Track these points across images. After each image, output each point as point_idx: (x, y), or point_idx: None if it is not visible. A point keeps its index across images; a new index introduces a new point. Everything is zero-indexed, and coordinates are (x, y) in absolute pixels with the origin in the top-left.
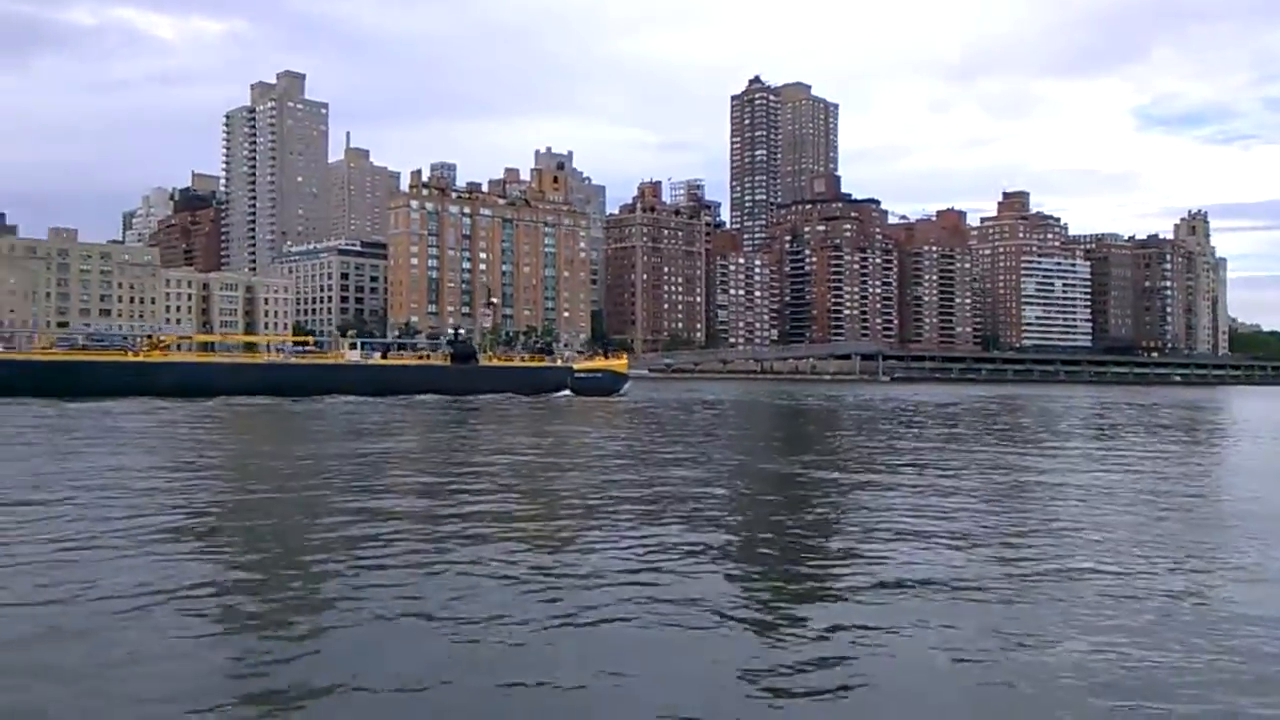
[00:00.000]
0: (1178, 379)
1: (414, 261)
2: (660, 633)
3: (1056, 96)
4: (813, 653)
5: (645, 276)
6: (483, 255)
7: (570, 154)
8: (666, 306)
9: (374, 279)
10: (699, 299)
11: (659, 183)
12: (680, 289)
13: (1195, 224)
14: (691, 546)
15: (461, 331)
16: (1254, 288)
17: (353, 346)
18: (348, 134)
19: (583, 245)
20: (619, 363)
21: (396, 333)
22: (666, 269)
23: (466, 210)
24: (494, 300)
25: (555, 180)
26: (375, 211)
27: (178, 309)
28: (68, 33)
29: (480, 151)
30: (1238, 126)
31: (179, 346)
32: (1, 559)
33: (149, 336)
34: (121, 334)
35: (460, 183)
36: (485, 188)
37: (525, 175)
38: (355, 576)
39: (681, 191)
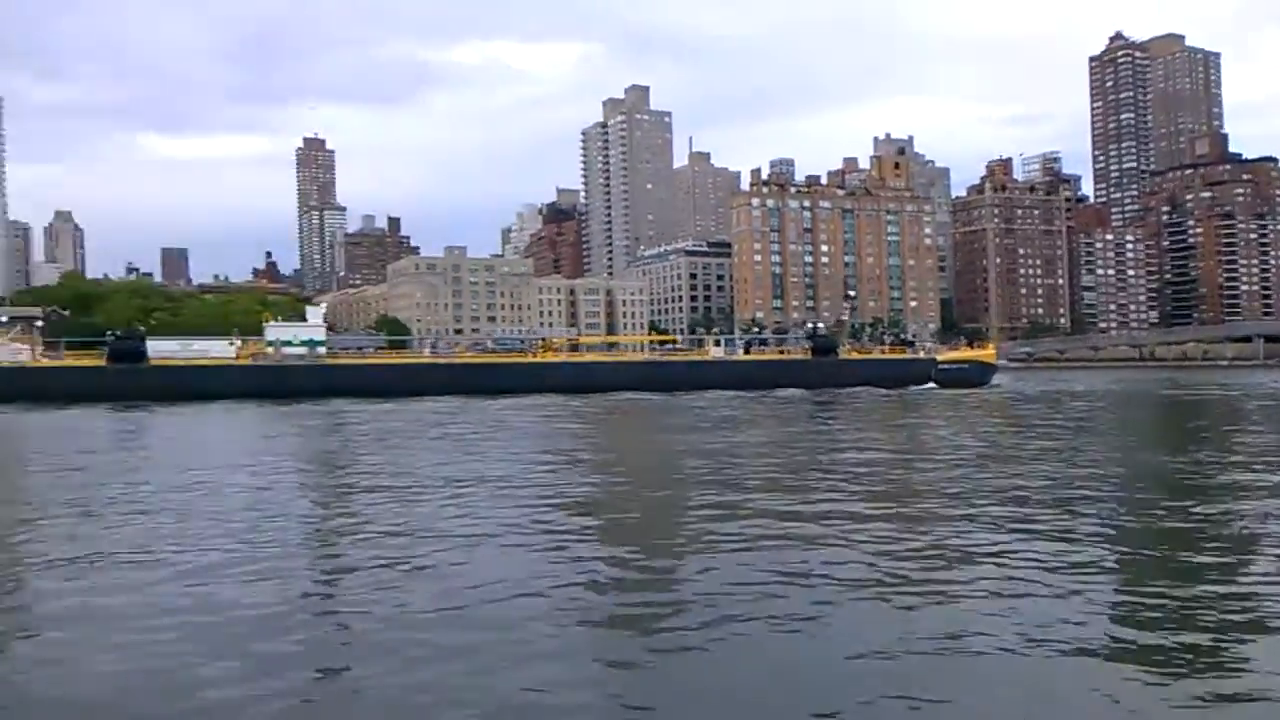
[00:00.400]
0: None
1: (757, 258)
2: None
3: None
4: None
5: (998, 260)
6: (824, 248)
7: (910, 138)
8: (1024, 291)
9: (720, 277)
10: (1061, 281)
11: (1009, 160)
12: (1038, 272)
13: None
14: (1062, 561)
15: (820, 325)
16: None
17: (716, 343)
18: (690, 139)
19: (928, 231)
20: (986, 353)
21: (755, 328)
22: (1022, 251)
23: (806, 204)
24: (852, 294)
25: (896, 166)
26: (719, 212)
27: (549, 313)
28: (455, 72)
29: (818, 145)
30: None
31: (577, 347)
32: (371, 544)
33: (542, 340)
34: (520, 339)
35: (799, 177)
36: (824, 180)
37: (864, 164)
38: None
39: (1035, 167)
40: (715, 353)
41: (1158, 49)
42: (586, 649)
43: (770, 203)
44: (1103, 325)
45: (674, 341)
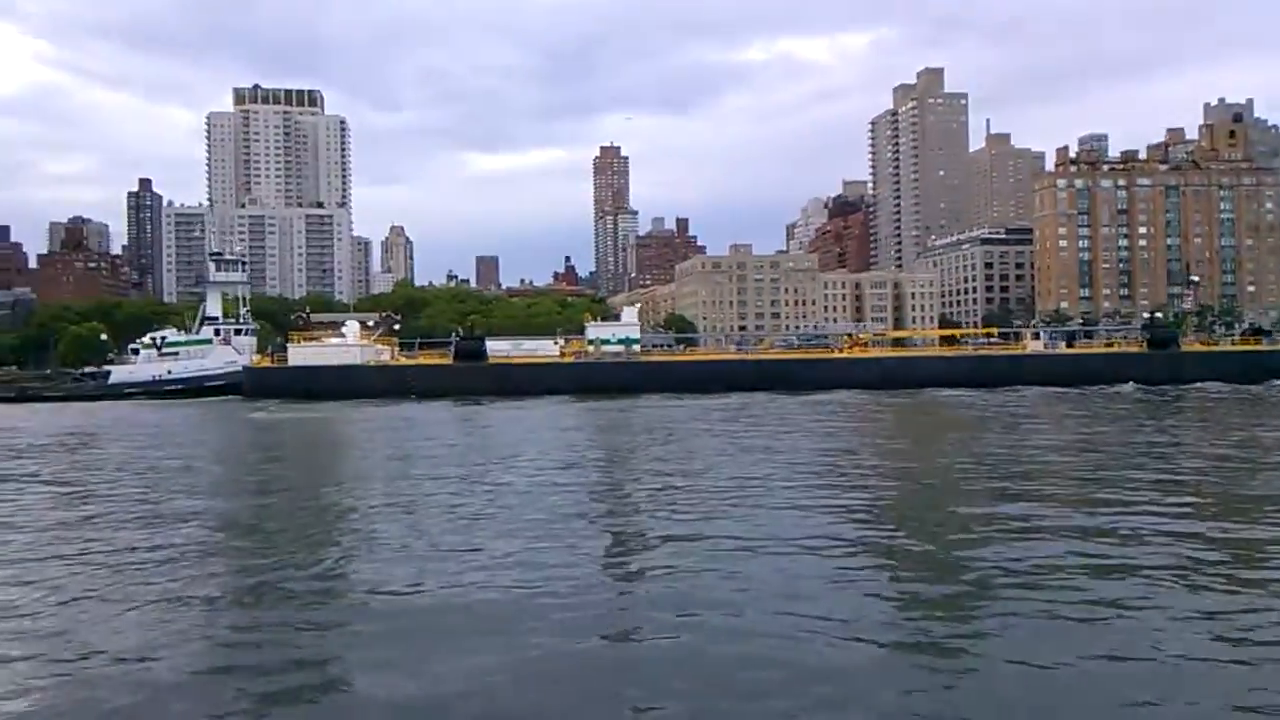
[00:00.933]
0: None
1: (1063, 244)
2: None
3: None
4: None
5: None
6: (1142, 230)
7: (1250, 102)
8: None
9: (1019, 266)
10: None
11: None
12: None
13: None
14: None
15: (1159, 315)
16: None
17: (1035, 336)
18: (987, 121)
19: (1270, 207)
20: None
21: (1079, 320)
22: None
23: (1121, 182)
24: (1194, 278)
25: (1231, 135)
26: (1019, 196)
27: (833, 308)
28: (743, 72)
29: (1137, 117)
30: None
31: (876, 342)
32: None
33: (849, 335)
34: (824, 335)
35: (1113, 153)
36: (1143, 155)
37: (1191, 134)
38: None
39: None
40: (1033, 346)
41: None
42: None
43: (1079, 183)
44: None
45: (993, 334)
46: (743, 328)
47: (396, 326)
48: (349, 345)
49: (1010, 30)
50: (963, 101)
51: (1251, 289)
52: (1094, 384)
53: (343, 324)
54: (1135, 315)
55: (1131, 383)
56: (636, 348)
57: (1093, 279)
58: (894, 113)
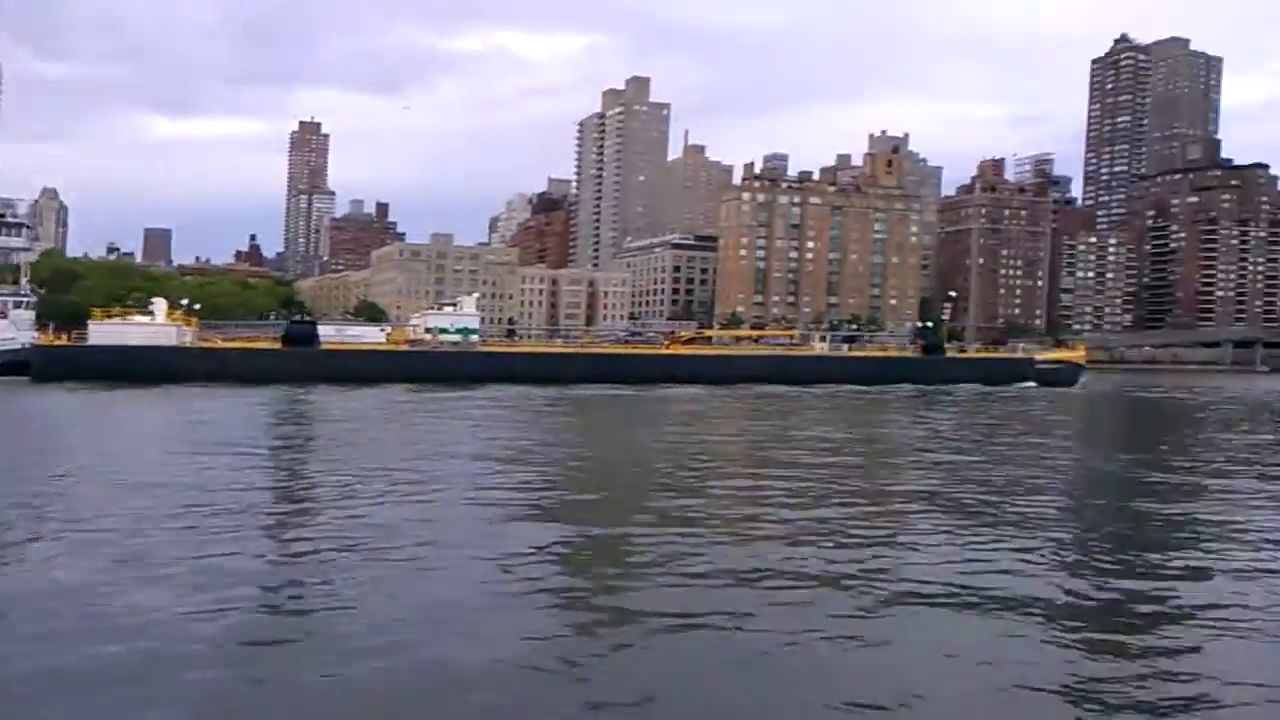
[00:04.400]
0: None
1: (743, 253)
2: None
3: None
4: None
5: (981, 260)
6: (810, 244)
7: (906, 136)
8: (1003, 292)
9: (704, 270)
10: (1040, 283)
11: (1002, 160)
12: (1019, 273)
13: None
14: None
15: (923, 324)
16: None
17: (822, 339)
18: (686, 132)
19: (914, 230)
20: (1078, 354)
21: (836, 322)
22: (1005, 251)
23: (796, 200)
24: (952, 293)
25: (889, 164)
26: (710, 205)
27: (530, 303)
28: (457, 59)
29: (815, 140)
30: None
31: (711, 340)
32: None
33: (671, 332)
34: (640, 332)
35: (793, 171)
36: (816, 176)
37: (858, 160)
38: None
39: (1028, 168)
40: (820, 348)
41: (1161, 52)
42: None
43: (761, 197)
44: (1076, 327)
45: (792, 336)
46: None
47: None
48: (160, 325)
49: (716, 48)
50: (665, 111)
51: (894, 302)
52: (882, 384)
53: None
54: (799, 320)
55: (905, 383)
56: (475, 338)
57: (766, 286)
58: (601, 116)
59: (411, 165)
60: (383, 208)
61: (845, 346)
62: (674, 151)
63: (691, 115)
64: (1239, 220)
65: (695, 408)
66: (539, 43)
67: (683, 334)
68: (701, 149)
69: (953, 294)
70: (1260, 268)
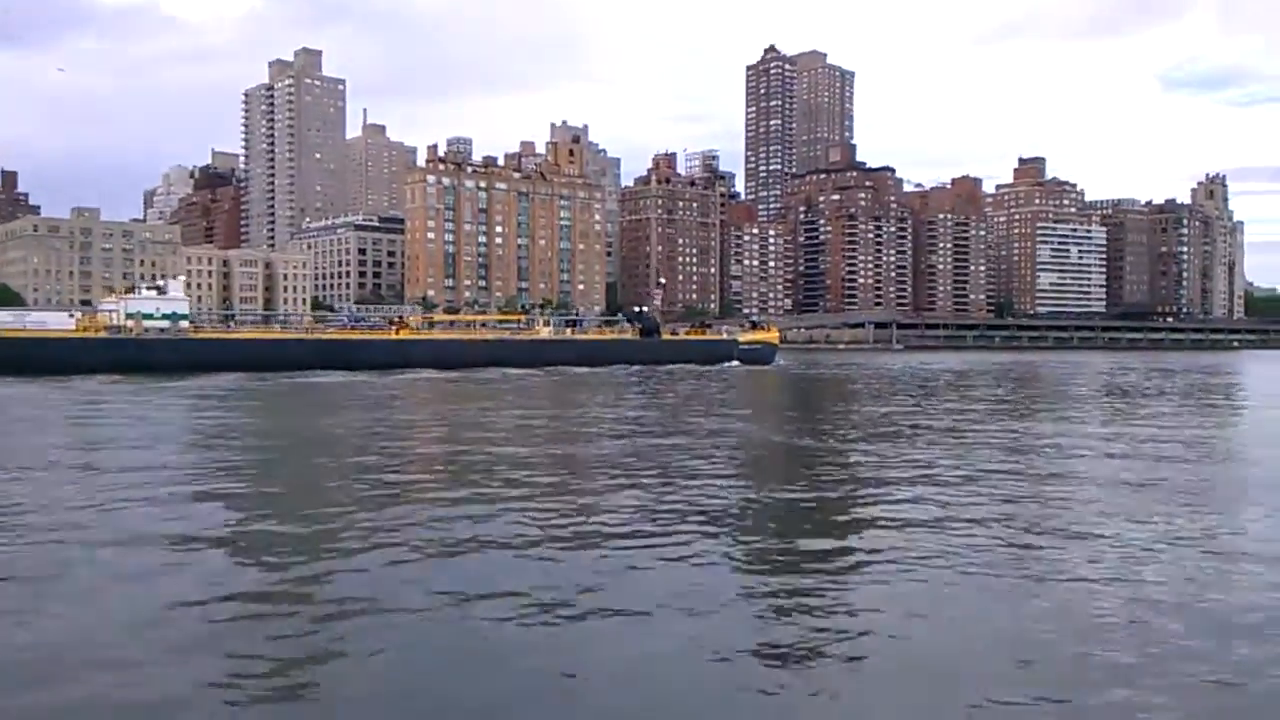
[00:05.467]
0: (1191, 343)
1: (430, 236)
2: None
3: (1079, 60)
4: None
5: (660, 248)
6: (499, 229)
7: (586, 127)
8: (681, 278)
9: (391, 254)
10: (713, 270)
11: (674, 154)
12: (695, 260)
13: (1213, 188)
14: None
15: (645, 309)
16: (1272, 251)
17: (547, 323)
18: (365, 110)
19: (598, 218)
20: (772, 335)
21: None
22: (681, 240)
23: (482, 184)
24: (663, 281)
25: (571, 153)
26: (393, 187)
27: (199, 285)
28: (99, 14)
29: (497, 125)
30: (1260, 90)
31: (432, 325)
32: None
33: (400, 317)
34: (364, 317)
35: (477, 156)
36: (501, 161)
37: (541, 148)
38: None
39: (697, 163)
40: (545, 332)
41: (804, 63)
42: None
43: (446, 181)
44: (746, 311)
45: (519, 320)
46: (86, 302)
47: None
48: None
49: (389, 26)
50: (340, 87)
51: (582, 287)
52: (605, 364)
53: None
54: (491, 305)
55: (626, 363)
56: (186, 324)
57: (456, 270)
58: (270, 88)
59: (46, 131)
60: (9, 176)
61: (569, 330)
62: (353, 130)
63: (369, 94)
64: (874, 216)
65: (412, 394)
66: (190, 3)
67: (411, 319)
68: (382, 129)
69: (663, 281)
70: (893, 258)
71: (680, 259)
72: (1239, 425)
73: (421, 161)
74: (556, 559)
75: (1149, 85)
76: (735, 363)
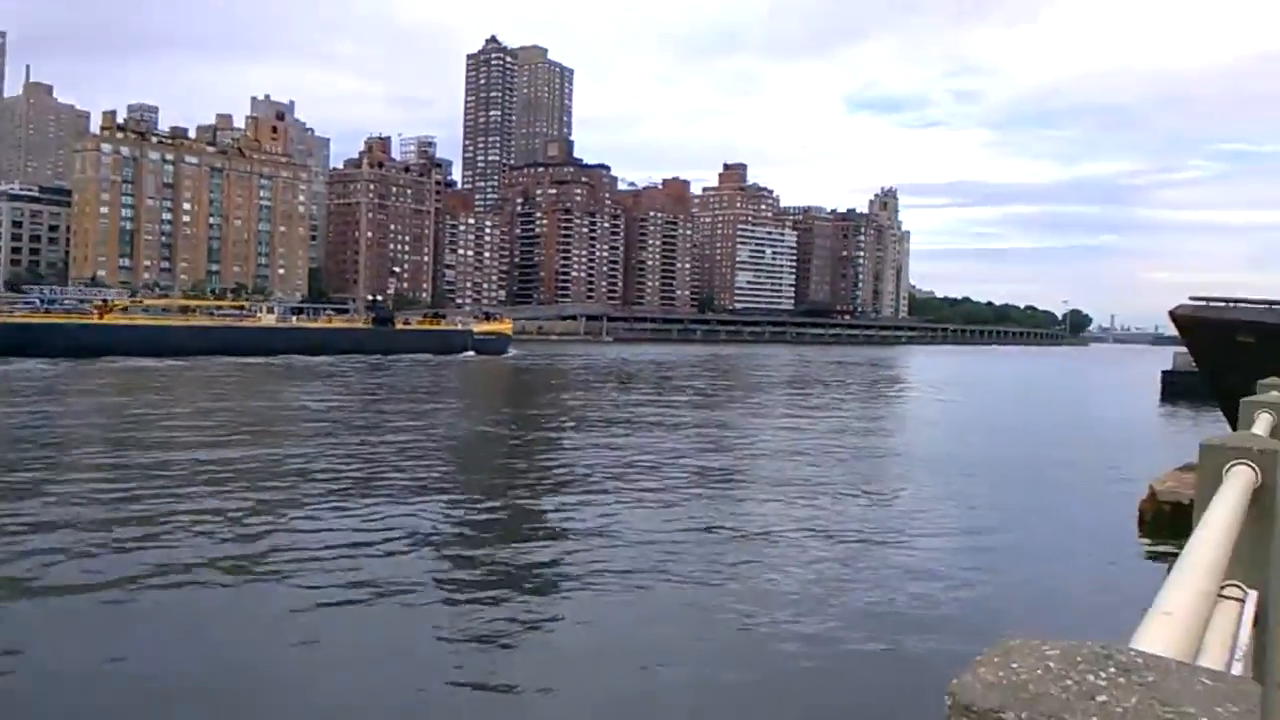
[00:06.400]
0: (864, 339)
1: (104, 211)
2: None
3: (780, 76)
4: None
5: (370, 234)
6: (187, 206)
7: (291, 103)
8: (392, 266)
9: (54, 228)
10: (426, 259)
11: (388, 138)
12: (407, 248)
13: (886, 200)
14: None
15: (379, 297)
16: (933, 259)
17: (270, 310)
18: (28, 67)
19: (302, 199)
20: (505, 326)
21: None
22: (393, 227)
23: (169, 157)
24: (396, 269)
25: (274, 130)
26: (60, 154)
27: None
28: None
29: (188, 95)
30: (930, 114)
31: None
32: None
33: (104, 300)
34: (58, 299)
35: (164, 126)
36: (193, 134)
37: (240, 123)
38: None
39: (412, 148)
40: (267, 319)
41: (525, 57)
42: None
43: (125, 150)
44: (459, 301)
45: (244, 308)
46: None
47: None
48: None
49: None
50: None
51: (282, 271)
52: (333, 354)
53: None
54: (175, 288)
55: (359, 353)
56: None
57: (135, 249)
58: None
59: None
60: None
61: (294, 318)
62: (12, 89)
63: (33, 49)
64: (589, 212)
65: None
66: None
67: (117, 302)
68: (49, 89)
69: (396, 269)
70: (606, 253)
71: (392, 246)
72: (904, 408)
73: (96, 128)
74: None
75: (837, 104)
76: (471, 353)
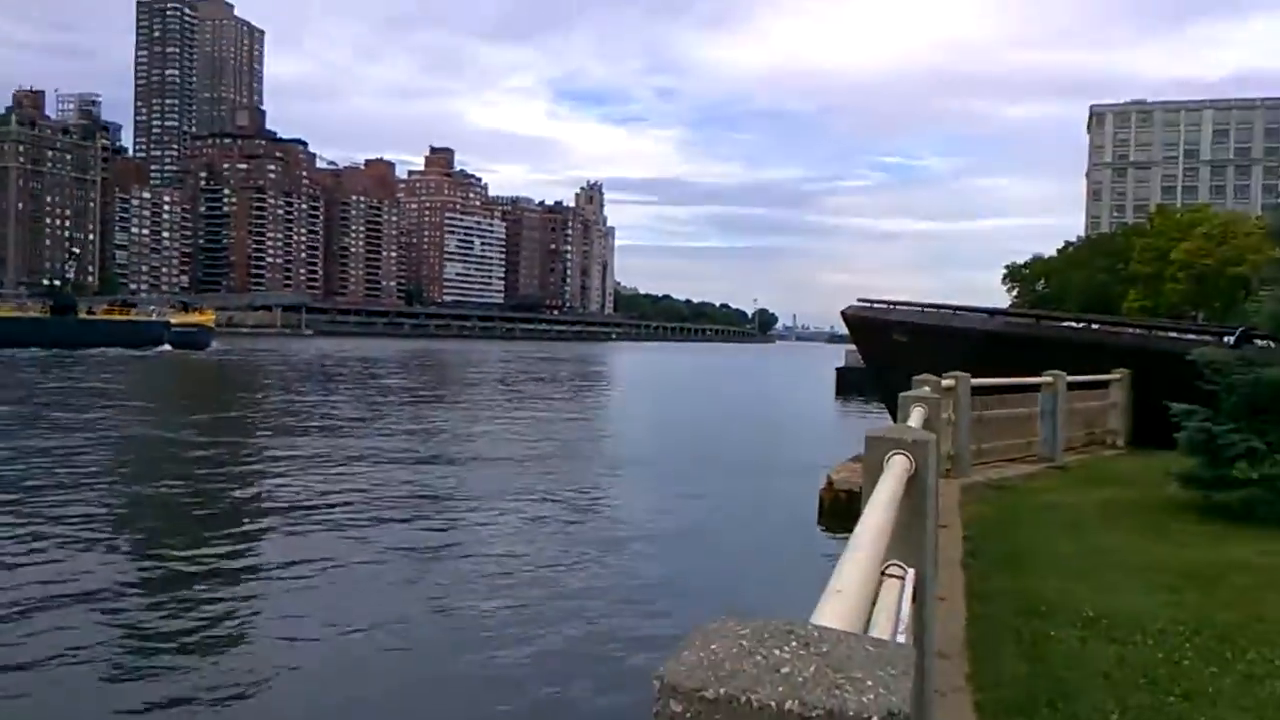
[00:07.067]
0: (573, 334)
1: None
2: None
3: (486, 57)
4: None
5: (20, 205)
6: None
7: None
8: (50, 244)
9: None
10: (93, 237)
11: (41, 93)
12: (68, 223)
13: (592, 194)
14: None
15: (59, 280)
16: (636, 255)
17: None
18: None
19: None
20: (207, 317)
21: None
22: (50, 198)
23: None
24: (76, 250)
25: None
26: None
27: None
28: None
29: None
30: (631, 109)
31: None
32: None
33: None
34: None
35: None
36: None
37: None
38: None
39: (72, 107)
40: None
41: (207, 11)
42: None
43: None
44: (133, 286)
45: None
46: None
47: None
48: None
49: None
50: None
51: None
52: (4, 347)
53: None
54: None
55: (33, 346)
56: None
57: None
58: None
59: None
60: None
61: None
62: None
63: None
64: (284, 191)
65: None
66: None
67: None
68: None
69: (76, 250)
70: (304, 238)
71: (49, 220)
72: (609, 406)
73: None
74: None
75: (542, 92)
76: (167, 346)
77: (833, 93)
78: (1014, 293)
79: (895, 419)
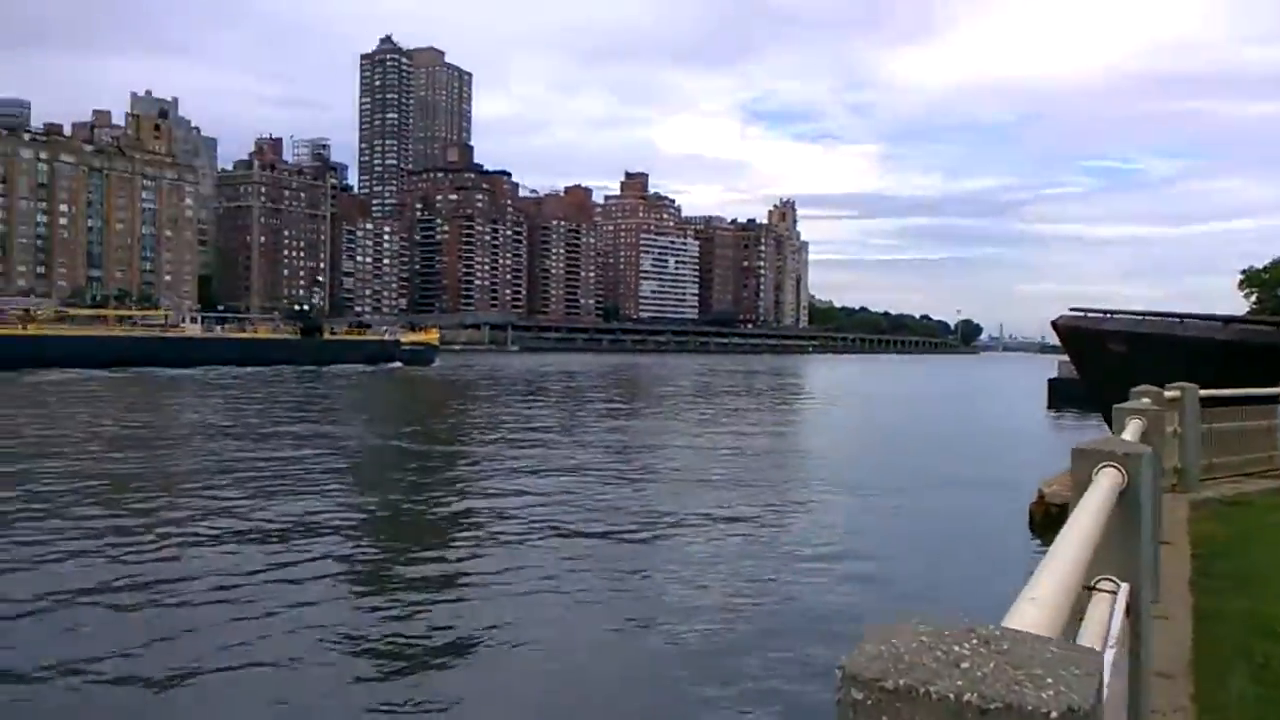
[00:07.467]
0: (768, 348)
1: None
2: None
3: (679, 85)
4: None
5: (263, 240)
6: (64, 208)
7: (175, 100)
8: (286, 273)
9: None
10: (323, 265)
11: (280, 140)
12: (302, 254)
13: (785, 211)
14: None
15: (305, 306)
16: (831, 269)
17: (193, 320)
18: None
19: (189, 202)
20: (432, 336)
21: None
22: (287, 232)
23: (44, 155)
24: (321, 279)
25: (157, 129)
26: None
27: None
28: None
29: (62, 90)
30: (825, 126)
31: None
32: None
33: (25, 309)
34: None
35: (36, 123)
36: (69, 131)
37: (119, 120)
38: None
39: (305, 151)
40: (192, 329)
41: (421, 59)
42: None
43: None
44: (358, 309)
45: (166, 316)
46: None
47: None
48: None
49: None
50: None
51: (169, 278)
52: (263, 364)
53: None
54: (54, 294)
55: (287, 364)
56: None
57: (8, 253)
58: None
59: None
60: None
61: (219, 328)
62: None
63: None
64: (491, 219)
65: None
66: None
67: (41, 311)
68: None
69: (321, 279)
70: (509, 261)
71: (286, 252)
72: (813, 419)
73: None
74: None
75: (734, 115)
76: (399, 364)
77: (1032, 100)
78: (1252, 299)
79: (1113, 432)
